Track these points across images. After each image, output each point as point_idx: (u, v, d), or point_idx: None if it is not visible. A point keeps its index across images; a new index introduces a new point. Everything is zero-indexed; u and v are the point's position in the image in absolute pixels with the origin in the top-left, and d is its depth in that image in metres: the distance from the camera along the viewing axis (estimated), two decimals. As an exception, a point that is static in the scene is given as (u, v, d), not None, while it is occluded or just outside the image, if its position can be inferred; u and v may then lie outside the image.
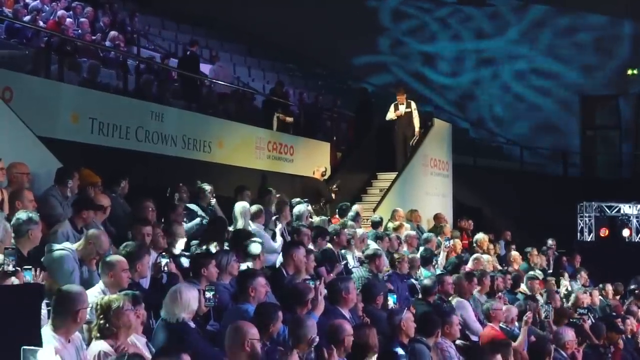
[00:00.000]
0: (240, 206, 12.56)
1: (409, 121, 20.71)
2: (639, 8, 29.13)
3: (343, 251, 12.98)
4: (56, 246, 8.32)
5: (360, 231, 14.32)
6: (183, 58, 20.54)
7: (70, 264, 8.13)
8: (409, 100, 20.92)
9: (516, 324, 11.70)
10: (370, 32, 32.14)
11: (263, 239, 11.58)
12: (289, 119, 20.84)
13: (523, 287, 14.92)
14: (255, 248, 10.23)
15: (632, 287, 19.18)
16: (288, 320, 8.08)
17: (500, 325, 11.49)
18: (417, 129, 20.88)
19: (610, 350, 12.54)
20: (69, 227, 9.23)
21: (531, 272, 16.16)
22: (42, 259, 8.16)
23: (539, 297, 14.38)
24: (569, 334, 11.02)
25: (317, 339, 7.74)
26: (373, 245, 13.73)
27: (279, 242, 12.52)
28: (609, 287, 17.23)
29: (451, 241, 16.04)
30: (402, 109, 20.62)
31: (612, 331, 12.91)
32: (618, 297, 17.47)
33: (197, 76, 19.69)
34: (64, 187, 10.47)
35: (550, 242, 20.57)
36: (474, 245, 17.53)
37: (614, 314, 15.39)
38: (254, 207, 12.73)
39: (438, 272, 13.80)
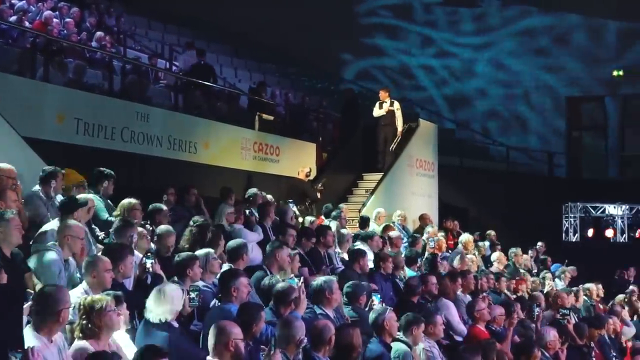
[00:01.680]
0: (220, 207, 12.68)
1: (391, 120, 20.81)
2: (624, 9, 29.23)
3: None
4: (42, 246, 8.33)
5: (345, 232, 14.36)
6: (196, 66, 20.45)
7: (57, 265, 8.13)
8: (392, 100, 21.03)
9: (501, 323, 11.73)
10: (357, 30, 32.20)
11: (242, 235, 11.69)
12: (268, 117, 20.76)
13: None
14: None
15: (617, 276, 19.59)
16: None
17: (487, 325, 11.52)
18: (399, 129, 20.96)
19: (593, 349, 12.61)
20: (57, 228, 9.17)
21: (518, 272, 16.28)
22: (28, 260, 8.17)
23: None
24: (551, 334, 11.09)
25: (306, 340, 7.78)
26: (358, 245, 13.78)
27: (255, 230, 12.70)
28: (593, 288, 17.28)
29: (436, 238, 16.15)
30: (386, 106, 20.75)
31: (591, 327, 12.99)
32: (600, 298, 17.52)
33: (215, 85, 20.23)
34: (48, 187, 10.47)
35: (539, 244, 20.71)
36: (460, 245, 17.56)
37: (596, 314, 15.49)
38: (231, 209, 12.89)
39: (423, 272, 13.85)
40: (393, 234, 15.73)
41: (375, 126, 21.18)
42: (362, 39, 32.37)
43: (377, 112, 20.96)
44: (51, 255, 8.16)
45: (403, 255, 14.10)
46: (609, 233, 25.33)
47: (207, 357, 7.13)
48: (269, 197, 15.00)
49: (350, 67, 32.84)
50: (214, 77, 20.35)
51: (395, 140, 20.95)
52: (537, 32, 31.62)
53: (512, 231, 22.81)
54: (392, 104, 20.89)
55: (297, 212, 15.54)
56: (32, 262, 8.16)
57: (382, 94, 21.18)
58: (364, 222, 16.60)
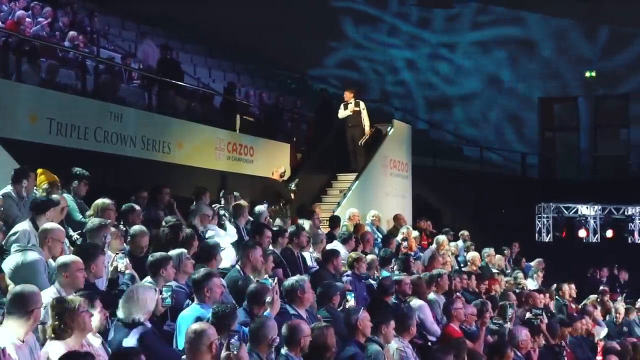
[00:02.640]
0: (197, 207, 12.69)
1: (357, 121, 20.84)
2: (598, 12, 29.41)
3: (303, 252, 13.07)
4: (24, 247, 8.31)
5: (318, 232, 14.37)
6: (162, 61, 20.35)
7: (42, 264, 8.15)
8: (357, 100, 21.05)
9: (474, 323, 11.77)
10: (333, 31, 32.22)
11: (215, 234, 11.68)
12: (249, 118, 20.78)
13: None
14: None
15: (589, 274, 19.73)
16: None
17: (460, 325, 11.55)
18: (367, 128, 20.94)
19: (565, 349, 12.68)
20: (30, 228, 9.13)
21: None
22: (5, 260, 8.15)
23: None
24: (523, 334, 11.15)
25: (278, 340, 7.77)
26: (331, 245, 13.82)
27: (228, 228, 12.73)
28: (566, 287, 17.38)
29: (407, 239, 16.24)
30: (351, 107, 20.77)
31: (563, 327, 13.07)
32: (572, 298, 17.62)
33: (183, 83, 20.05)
34: (20, 187, 10.43)
35: (515, 245, 20.80)
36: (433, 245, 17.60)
37: (568, 314, 15.58)
38: (207, 210, 12.86)
39: (396, 272, 13.88)
40: (367, 233, 15.77)
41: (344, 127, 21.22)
42: (336, 35, 32.39)
43: (342, 113, 20.95)
44: (35, 255, 8.18)
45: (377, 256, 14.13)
46: (582, 233, 25.49)
47: (180, 357, 7.12)
48: (242, 202, 14.86)
49: (326, 62, 32.83)
50: (180, 72, 20.22)
51: (363, 137, 20.92)
52: (511, 34, 31.72)
53: (485, 231, 22.89)
54: (357, 105, 20.88)
55: (270, 214, 15.48)
56: (11, 262, 8.14)
57: (347, 95, 21.15)
58: (334, 222, 16.59)
